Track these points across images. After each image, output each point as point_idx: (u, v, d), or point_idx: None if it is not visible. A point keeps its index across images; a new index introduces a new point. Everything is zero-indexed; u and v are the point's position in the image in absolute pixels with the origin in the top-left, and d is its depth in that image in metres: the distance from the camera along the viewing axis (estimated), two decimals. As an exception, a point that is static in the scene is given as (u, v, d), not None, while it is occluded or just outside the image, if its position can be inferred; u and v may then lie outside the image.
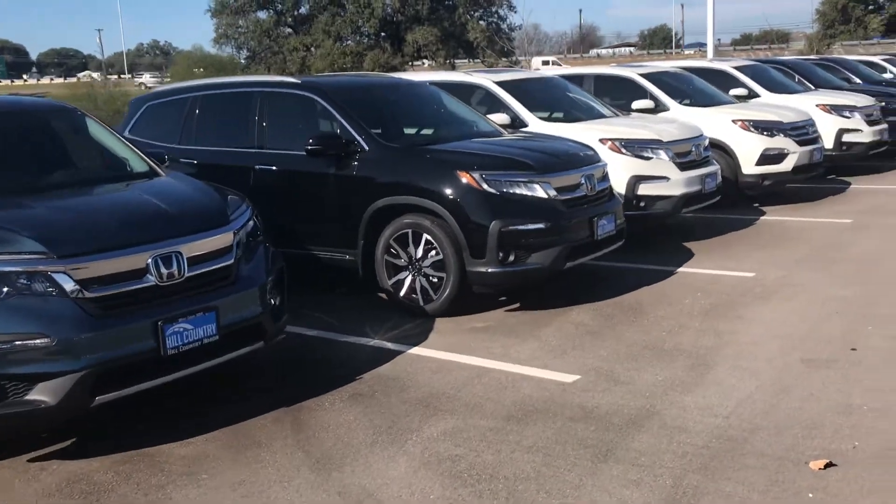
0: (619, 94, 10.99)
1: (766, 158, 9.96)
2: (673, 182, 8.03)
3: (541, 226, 5.90)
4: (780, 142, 10.02)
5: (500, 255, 5.83)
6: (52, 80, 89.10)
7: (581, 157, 6.53)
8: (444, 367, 5.06)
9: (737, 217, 9.52)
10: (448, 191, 5.91)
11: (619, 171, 7.92)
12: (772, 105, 11.17)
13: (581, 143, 6.98)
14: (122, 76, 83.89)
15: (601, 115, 9.21)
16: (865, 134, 12.20)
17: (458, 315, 6.05)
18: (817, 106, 12.18)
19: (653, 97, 10.55)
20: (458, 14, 50.88)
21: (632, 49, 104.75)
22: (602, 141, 8.03)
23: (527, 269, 5.93)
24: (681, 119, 9.37)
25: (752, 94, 12.44)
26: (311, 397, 4.65)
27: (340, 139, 6.35)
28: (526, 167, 6.03)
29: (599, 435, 4.02)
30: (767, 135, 10.01)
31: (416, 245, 6.08)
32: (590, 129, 8.21)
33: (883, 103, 14.03)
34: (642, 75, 10.85)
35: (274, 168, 6.71)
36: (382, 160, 6.27)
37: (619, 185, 7.89)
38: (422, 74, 9.65)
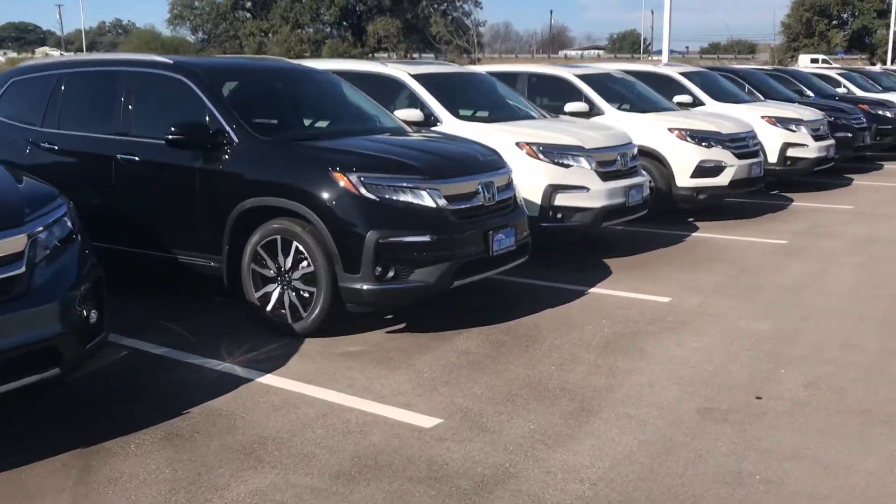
0: (553, 95, 10.38)
1: (701, 171, 9.38)
2: (593, 193, 7.38)
3: (426, 238, 5.19)
4: (718, 154, 9.45)
5: (378, 270, 5.12)
6: (5, 53, 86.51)
7: (480, 163, 5.83)
8: (289, 402, 4.33)
9: (666, 233, 8.93)
10: (321, 194, 5.18)
11: (536, 179, 7.27)
12: (713, 114, 10.61)
13: (486, 147, 6.28)
14: (77, 53, 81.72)
15: (528, 117, 8.55)
16: (811, 149, 11.71)
17: (332, 335, 5.34)
18: (763, 118, 11.68)
19: (588, 100, 9.93)
20: (422, 7, 50.15)
21: (600, 52, 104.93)
22: (519, 145, 7.37)
23: (408, 288, 5.23)
24: (611, 125, 8.75)
25: (697, 102, 11.91)
26: (118, 436, 3.90)
27: (206, 128, 5.58)
28: (413, 171, 5.32)
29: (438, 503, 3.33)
30: (704, 146, 9.43)
31: (286, 254, 5.35)
32: (507, 132, 7.53)
33: (832, 118, 13.66)
34: (578, 76, 10.23)
35: (136, 158, 5.92)
36: (253, 155, 5.52)
37: (535, 194, 7.25)
38: (331, 63, 8.91)
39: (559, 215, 7.35)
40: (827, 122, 12.56)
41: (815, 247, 8.22)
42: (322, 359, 5.00)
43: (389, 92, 8.15)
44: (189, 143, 5.55)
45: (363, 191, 5.14)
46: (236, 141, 5.55)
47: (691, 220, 9.72)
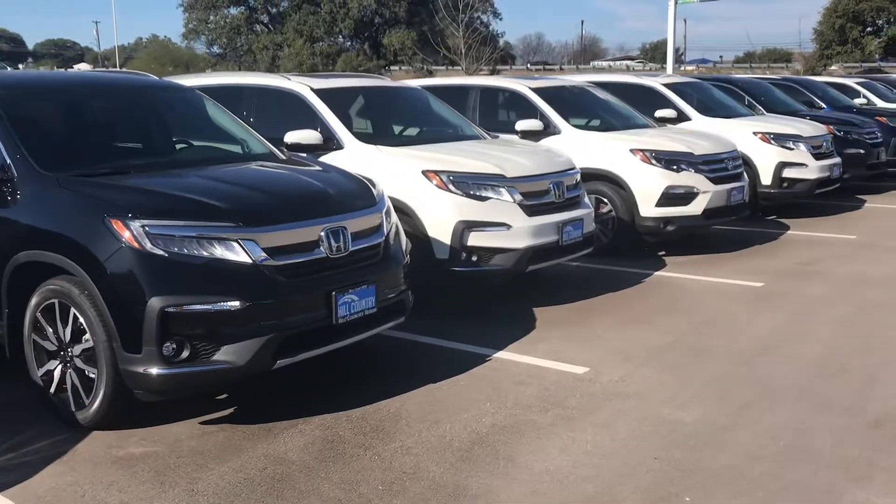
0: (507, 111, 9.13)
1: (669, 198, 8.03)
2: (515, 231, 6.10)
3: (234, 305, 3.96)
4: (688, 178, 8.10)
5: (168, 348, 3.90)
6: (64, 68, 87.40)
7: (329, 202, 4.58)
8: (-21, 549, 3.13)
9: (626, 271, 7.61)
10: (92, 247, 3.98)
11: (445, 215, 6.04)
12: (688, 132, 9.26)
13: (356, 181, 5.04)
14: (110, 69, 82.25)
15: (455, 138, 7.32)
16: (811, 169, 10.28)
17: (133, 427, 4.15)
18: (755, 134, 10.30)
19: (543, 116, 8.66)
20: (439, 18, 49.10)
21: (631, 62, 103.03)
22: (426, 174, 6.12)
23: (211, 371, 4.00)
24: (553, 147, 7.47)
25: (682, 117, 10.56)
26: None
27: (-19, 162, 4.43)
28: (220, 216, 4.08)
29: None
30: (673, 169, 8.09)
31: (65, 324, 4.16)
32: (415, 157, 6.29)
33: (841, 133, 12.21)
34: (534, 90, 8.95)
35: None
36: (35, 195, 4.34)
37: (444, 233, 6.02)
38: (219, 77, 7.77)
39: (474, 257, 6.08)
40: (831, 138, 11.11)
41: (796, 292, 6.83)
42: (88, 466, 3.80)
43: (293, 109, 6.96)
44: (-44, 179, 4.39)
45: (147, 244, 3.92)
46: (15, 176, 4.38)
47: (662, 253, 8.39)
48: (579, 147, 8.36)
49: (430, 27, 50.79)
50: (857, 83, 17.74)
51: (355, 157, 6.43)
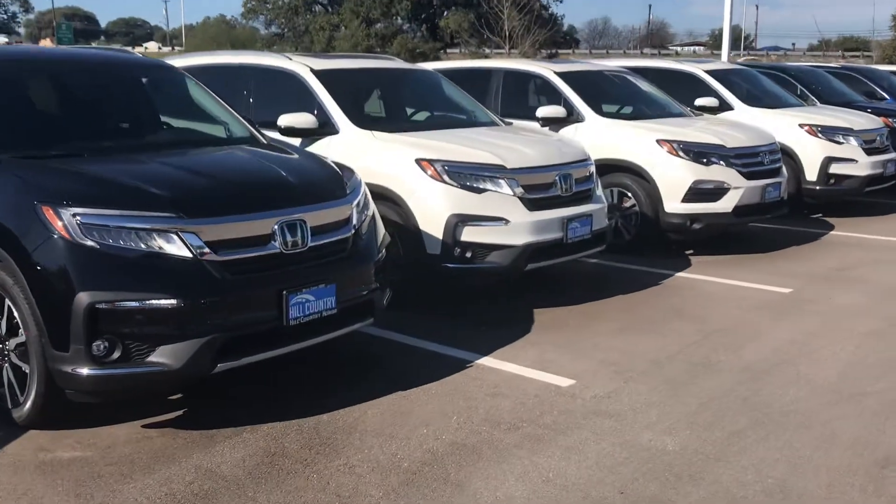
0: (528, 96, 8.66)
1: (696, 194, 7.49)
2: (514, 226, 5.68)
3: (171, 302, 3.66)
4: (719, 173, 7.53)
5: (98, 347, 3.62)
6: (121, 48, 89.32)
7: (289, 192, 4.23)
8: None
9: (645, 270, 7.13)
10: (22, 236, 3.71)
11: (438, 207, 5.65)
12: (724, 123, 8.67)
13: (329, 169, 4.69)
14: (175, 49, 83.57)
15: (463, 124, 6.93)
16: (861, 165, 9.57)
17: (72, 427, 3.91)
18: (801, 126, 9.63)
19: (566, 102, 8.19)
20: (495, 1, 48.36)
21: (698, 48, 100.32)
22: (419, 162, 5.74)
23: (144, 374, 3.71)
24: (566, 137, 7.00)
25: (725, 106, 9.94)
26: None
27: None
28: (158, 205, 3.77)
29: None
30: (703, 162, 7.54)
31: (1, 315, 3.92)
32: (410, 145, 5.91)
33: (898, 126, 11.38)
34: (560, 74, 8.47)
35: None
36: (-21, 179, 4.10)
37: (436, 227, 5.63)
38: (220, 57, 7.46)
39: (468, 254, 5.68)
40: (887, 131, 10.33)
41: (825, 300, 6.26)
42: (8, 472, 3.55)
43: (292, 90, 6.64)
44: None
45: (77, 234, 3.64)
46: (-38, 158, 4.15)
47: (690, 252, 7.85)
48: (603, 136, 7.89)
49: (489, 9, 50.11)
50: (928, 72, 16.66)
51: (349, 142, 6.09)
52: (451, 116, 7.23)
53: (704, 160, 7.53)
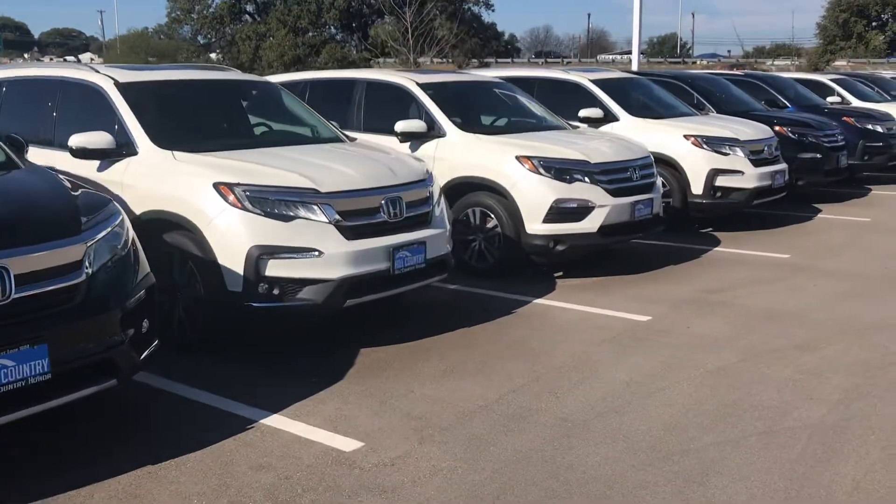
0: (393, 109, 8.01)
1: (558, 214, 6.94)
2: (329, 258, 5.03)
3: None
4: (582, 190, 7.00)
5: None
6: (51, 59, 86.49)
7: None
8: None
9: (501, 296, 6.58)
10: None
11: (237, 237, 4.97)
12: (594, 136, 8.19)
13: (65, 198, 3.98)
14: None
15: (309, 140, 6.36)
16: (747, 177, 9.18)
17: None
18: (686, 137, 9.21)
19: (428, 116, 7.60)
20: (427, 10, 47.95)
21: (640, 56, 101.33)
22: (220, 187, 5.06)
23: None
24: (402, 155, 6.38)
25: (610, 117, 9.48)
26: None
27: None
28: None
29: None
30: (564, 180, 7.00)
31: None
32: (207, 169, 5.21)
33: (795, 136, 11.08)
34: (421, 85, 7.88)
35: None
36: None
37: (236, 260, 4.97)
38: (25, 70, 6.71)
39: (275, 290, 5.01)
40: (777, 141, 9.97)
41: (683, 329, 5.74)
42: None
43: (93, 107, 5.90)
44: None
45: None
46: None
47: (559, 274, 7.32)
48: (464, 152, 7.36)
49: (419, 18, 49.72)
50: (833, 80, 16.58)
51: (149, 164, 5.42)
52: (286, 132, 6.59)
53: (567, 177, 6.99)
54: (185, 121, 6.02)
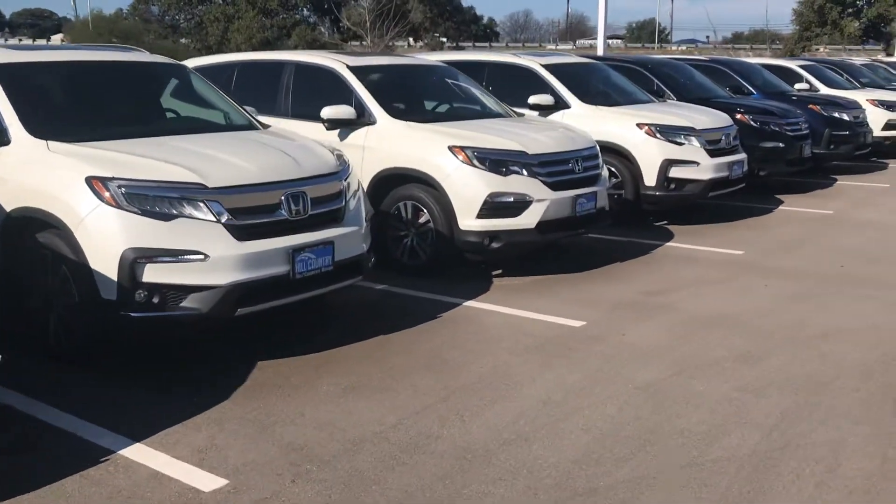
0: (316, 93, 7.45)
1: (493, 209, 6.43)
2: (216, 262, 4.48)
3: None
4: (518, 183, 6.49)
5: None
6: (20, 40, 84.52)
7: None
8: None
9: (430, 298, 6.09)
10: None
11: (110, 239, 4.43)
12: (540, 124, 7.68)
13: None
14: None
15: (211, 128, 5.82)
16: (703, 168, 8.71)
17: None
18: (640, 126, 8.72)
19: (358, 102, 7.06)
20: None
21: (619, 41, 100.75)
22: (92, 182, 4.49)
23: None
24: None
25: (561, 103, 8.98)
26: None
27: None
28: None
29: None
30: (500, 172, 6.48)
31: None
32: (80, 161, 4.63)
33: (757, 124, 10.64)
34: (351, 68, 7.32)
35: None
36: None
37: (110, 265, 4.43)
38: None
39: (155, 299, 4.47)
40: (736, 130, 9.51)
41: (617, 337, 5.25)
42: None
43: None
44: None
45: None
46: None
47: (498, 273, 6.83)
48: (396, 140, 6.84)
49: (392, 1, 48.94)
50: (802, 66, 16.16)
51: (20, 155, 4.84)
52: (190, 119, 6.01)
53: (503, 169, 6.47)
54: (68, 107, 5.43)
